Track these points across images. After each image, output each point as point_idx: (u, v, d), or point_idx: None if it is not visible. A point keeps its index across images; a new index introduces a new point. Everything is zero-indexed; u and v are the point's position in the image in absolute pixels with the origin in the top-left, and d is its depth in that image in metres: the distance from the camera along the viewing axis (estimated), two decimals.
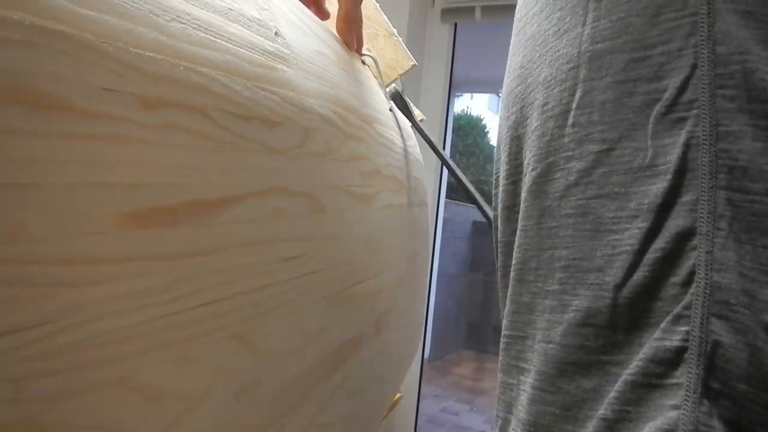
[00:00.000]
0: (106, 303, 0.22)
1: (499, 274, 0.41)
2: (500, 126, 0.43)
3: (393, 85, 0.73)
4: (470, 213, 4.04)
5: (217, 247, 0.29)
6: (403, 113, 0.71)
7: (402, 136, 0.69)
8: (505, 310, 0.37)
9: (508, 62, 0.42)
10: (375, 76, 0.67)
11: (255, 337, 0.32)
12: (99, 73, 0.22)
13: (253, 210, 0.31)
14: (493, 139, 5.27)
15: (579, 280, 0.32)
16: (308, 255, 0.37)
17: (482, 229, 3.88)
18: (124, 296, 0.23)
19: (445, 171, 2.32)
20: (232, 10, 0.33)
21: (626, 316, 0.29)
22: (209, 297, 0.28)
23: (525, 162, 0.37)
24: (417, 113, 0.98)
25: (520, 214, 0.37)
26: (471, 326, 3.94)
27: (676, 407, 0.27)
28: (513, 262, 0.36)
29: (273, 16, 0.38)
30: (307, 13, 0.49)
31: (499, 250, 0.41)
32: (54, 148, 0.20)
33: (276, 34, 0.37)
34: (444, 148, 2.20)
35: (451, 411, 2.96)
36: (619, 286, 0.30)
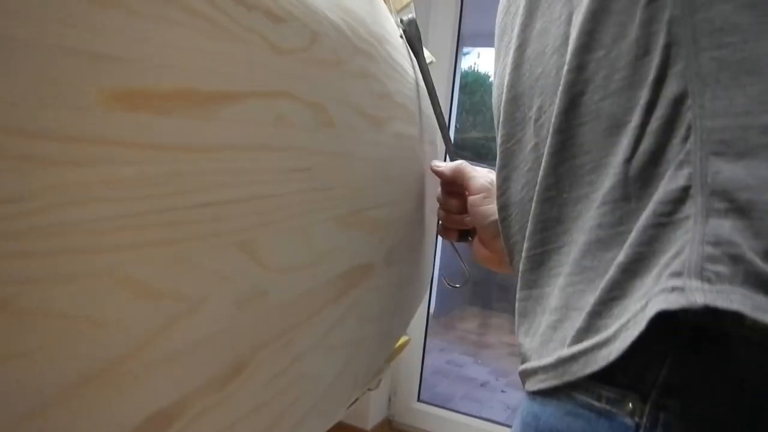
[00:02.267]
0: (91, 187, 0.20)
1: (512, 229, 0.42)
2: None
3: (411, 14, 0.69)
4: None
5: (217, 145, 0.26)
6: (416, 45, 0.67)
7: (414, 69, 0.66)
8: (529, 230, 0.39)
9: None
10: (386, 1, 0.63)
11: (259, 247, 0.30)
12: None
13: (256, 112, 0.29)
14: None
15: (599, 173, 0.34)
16: (316, 170, 0.35)
17: None
18: (113, 183, 0.21)
19: (452, 128, 2.27)
20: None
21: (638, 185, 0.32)
22: (208, 198, 0.26)
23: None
24: (426, 55, 0.94)
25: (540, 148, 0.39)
26: (476, 283, 3.96)
27: (685, 233, 0.28)
28: (536, 188, 0.38)
29: None
30: None
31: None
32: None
33: None
34: (451, 106, 2.15)
35: (456, 363, 3.01)
36: (628, 160, 0.32)
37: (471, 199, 0.58)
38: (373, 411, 1.99)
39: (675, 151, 0.30)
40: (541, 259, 0.38)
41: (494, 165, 0.47)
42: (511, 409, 2.40)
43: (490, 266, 0.62)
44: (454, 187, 0.62)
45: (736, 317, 0.26)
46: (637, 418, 0.29)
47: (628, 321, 0.29)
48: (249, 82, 0.28)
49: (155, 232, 0.23)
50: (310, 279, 0.35)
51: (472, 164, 0.62)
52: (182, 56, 0.24)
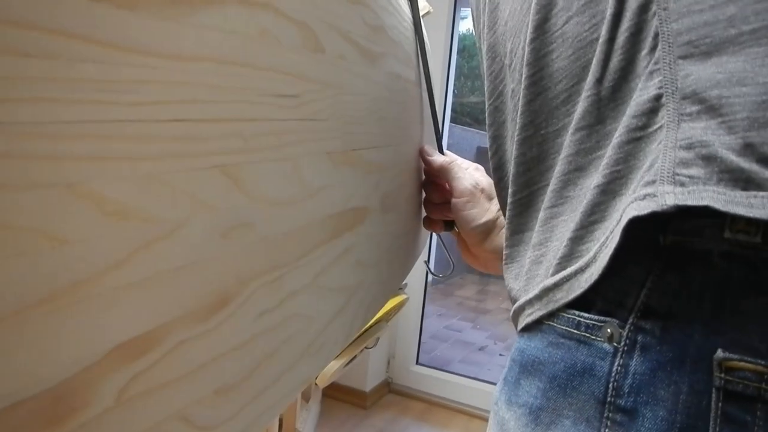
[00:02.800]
0: (44, 83, 0.17)
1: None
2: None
3: None
4: (475, 138, 3.96)
5: (192, 54, 0.24)
6: None
7: (411, 12, 0.63)
8: (512, 174, 0.38)
9: None
10: None
11: (244, 175, 0.27)
12: None
13: (237, 21, 0.26)
14: None
15: (573, 101, 0.33)
16: (306, 98, 0.32)
17: (487, 156, 3.80)
18: (64, 81, 0.18)
19: (450, 93, 2.22)
20: None
21: (611, 106, 0.31)
22: (182, 113, 0.23)
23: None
24: (424, 4, 0.90)
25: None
26: None
27: (659, 143, 0.28)
28: (516, 127, 0.37)
29: None
30: None
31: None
32: None
33: None
34: (449, 70, 2.10)
35: (455, 328, 3.03)
36: (599, 80, 0.31)
37: (454, 202, 0.57)
38: (372, 373, 2.01)
39: (644, 62, 0.29)
40: (527, 202, 0.37)
41: None
42: None
43: (477, 267, 0.62)
44: (439, 180, 0.61)
45: (715, 227, 0.25)
46: (615, 343, 0.28)
47: (606, 239, 0.29)
48: None
49: (121, 145, 0.20)
50: (301, 215, 0.33)
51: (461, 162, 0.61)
52: None
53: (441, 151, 0.67)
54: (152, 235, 0.22)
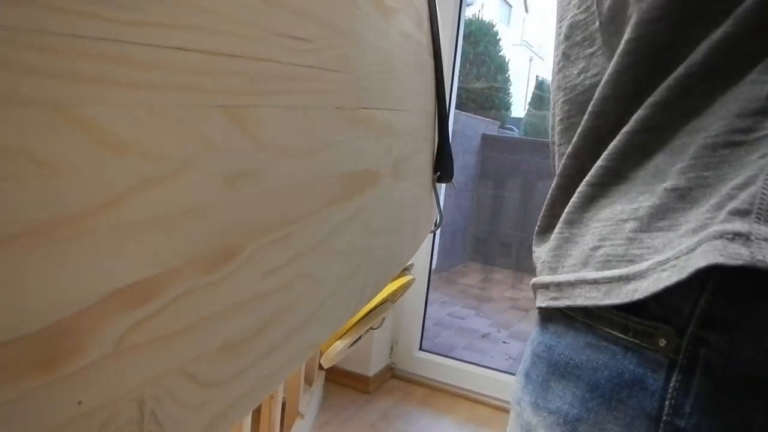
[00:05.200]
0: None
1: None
2: None
3: None
4: (480, 125, 3.93)
5: None
6: None
7: None
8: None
9: None
10: None
11: (250, 118, 0.25)
12: None
13: None
14: (504, 48, 5.00)
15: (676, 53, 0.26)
16: (317, 42, 0.30)
17: (492, 143, 3.78)
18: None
19: (456, 80, 2.19)
20: None
21: (711, 85, 0.24)
22: (186, 41, 0.21)
23: None
24: None
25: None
26: (478, 239, 3.95)
27: (761, 156, 0.22)
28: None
29: None
30: None
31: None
32: None
33: None
34: (456, 55, 2.06)
35: (458, 315, 3.02)
36: (712, 55, 0.24)
37: None
38: (376, 359, 2.00)
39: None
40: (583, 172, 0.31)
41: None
42: (513, 359, 2.42)
43: None
44: None
45: None
46: (671, 354, 0.24)
47: (667, 261, 0.24)
48: None
49: (117, 69, 0.18)
50: (310, 170, 0.31)
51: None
52: None
53: (446, 121, 0.65)
54: (152, 173, 0.20)
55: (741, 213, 0.22)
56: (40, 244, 0.16)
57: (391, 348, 2.13)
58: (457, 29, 2.05)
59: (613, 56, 0.28)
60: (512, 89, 4.80)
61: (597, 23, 0.30)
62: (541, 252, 0.32)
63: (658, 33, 0.26)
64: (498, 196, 3.84)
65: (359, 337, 0.92)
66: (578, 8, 0.31)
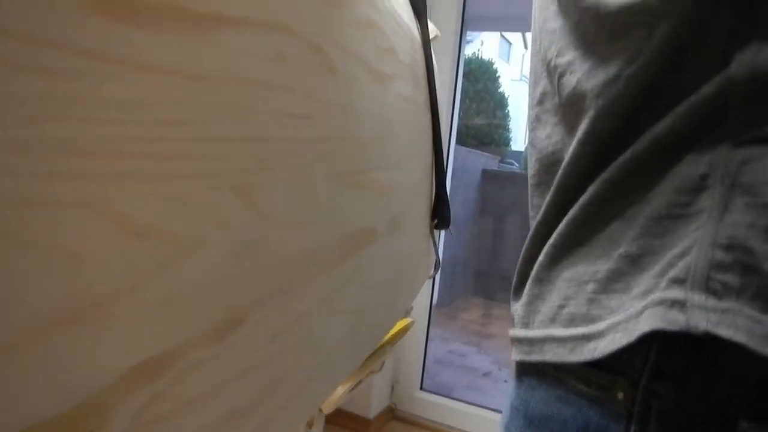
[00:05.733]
0: (69, 102, 0.18)
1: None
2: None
3: None
4: (480, 160, 3.97)
5: (211, 74, 0.24)
6: (420, 7, 0.64)
7: (421, 36, 0.63)
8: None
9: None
10: None
11: (259, 195, 0.27)
12: None
13: (254, 43, 0.27)
14: (504, 84, 5.11)
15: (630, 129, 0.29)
16: (317, 118, 0.33)
17: (492, 178, 3.82)
18: (95, 100, 0.18)
19: (456, 115, 2.24)
20: None
21: (661, 159, 0.27)
22: (201, 132, 0.23)
23: None
24: (432, 28, 0.91)
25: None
26: (479, 274, 3.95)
27: (696, 229, 0.25)
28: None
29: None
30: None
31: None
32: None
33: None
34: (455, 93, 2.12)
35: (459, 353, 2.99)
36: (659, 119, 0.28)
37: None
38: (376, 399, 1.98)
39: (704, 131, 0.26)
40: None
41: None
42: None
43: None
44: None
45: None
46: (629, 406, 0.27)
47: (619, 324, 0.27)
48: (246, 8, 0.26)
49: (143, 163, 0.21)
50: (314, 236, 0.33)
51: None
52: None
53: (443, 170, 0.67)
54: (170, 254, 0.22)
55: (678, 281, 0.25)
56: (66, 332, 0.18)
57: (392, 387, 2.11)
58: (456, 67, 2.10)
59: (571, 131, 0.32)
60: (512, 124, 4.88)
61: (558, 101, 0.33)
62: (516, 307, 0.36)
63: (612, 125, 0.29)
64: (498, 230, 3.85)
65: (359, 381, 0.92)
66: (547, 79, 0.35)
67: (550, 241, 0.32)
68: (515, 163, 4.29)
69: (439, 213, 0.69)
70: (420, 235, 0.61)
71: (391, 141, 0.46)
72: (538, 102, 0.36)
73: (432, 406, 2.11)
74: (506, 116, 4.77)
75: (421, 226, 0.62)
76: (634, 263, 0.27)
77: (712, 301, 0.23)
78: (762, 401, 0.24)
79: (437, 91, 0.67)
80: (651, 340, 0.26)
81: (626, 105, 0.28)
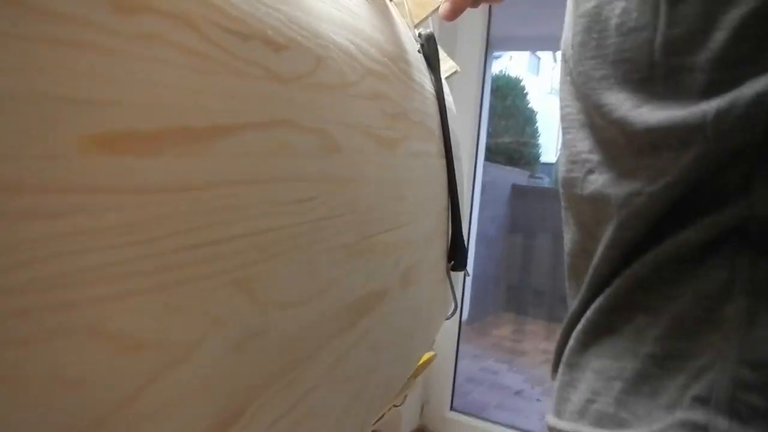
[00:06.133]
0: (69, 239, 0.19)
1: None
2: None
3: (428, 29, 0.68)
4: (509, 176, 3.94)
5: (211, 182, 0.25)
6: (433, 61, 0.65)
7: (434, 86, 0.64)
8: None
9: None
10: (404, 15, 0.62)
11: (257, 285, 0.29)
12: None
13: (254, 143, 0.28)
14: (533, 100, 5.07)
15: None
16: (321, 198, 0.34)
17: (522, 193, 3.79)
18: (93, 232, 0.20)
19: (483, 132, 2.24)
20: None
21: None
22: (201, 238, 0.25)
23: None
24: (451, 65, 0.92)
25: None
26: (510, 289, 3.90)
27: (721, 340, 0.25)
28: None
29: None
30: None
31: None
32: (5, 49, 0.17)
33: None
34: (481, 110, 2.11)
35: (491, 370, 2.95)
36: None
37: None
38: (406, 421, 1.97)
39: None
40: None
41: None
42: None
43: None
44: None
45: None
46: None
47: None
48: (245, 114, 0.27)
49: (142, 280, 0.22)
50: (316, 311, 0.34)
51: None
52: (171, 94, 0.23)
53: (459, 212, 0.67)
54: (167, 361, 0.23)
55: (701, 400, 0.24)
56: None
57: (422, 408, 2.10)
58: (482, 84, 2.09)
59: (596, 226, 0.33)
60: (542, 138, 4.84)
61: (579, 191, 0.34)
62: (555, 385, 0.36)
63: (636, 234, 0.30)
64: (529, 245, 3.80)
65: (383, 415, 0.93)
66: (572, 165, 0.35)
67: (579, 326, 0.33)
68: (545, 177, 4.24)
69: (456, 255, 0.69)
70: (435, 281, 0.62)
71: (399, 199, 0.47)
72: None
73: (463, 427, 2.09)
74: (535, 132, 4.73)
75: (436, 271, 0.63)
76: (660, 366, 0.27)
77: (736, 427, 0.23)
78: None
79: (454, 132, 0.68)
80: None
81: (650, 217, 0.29)
